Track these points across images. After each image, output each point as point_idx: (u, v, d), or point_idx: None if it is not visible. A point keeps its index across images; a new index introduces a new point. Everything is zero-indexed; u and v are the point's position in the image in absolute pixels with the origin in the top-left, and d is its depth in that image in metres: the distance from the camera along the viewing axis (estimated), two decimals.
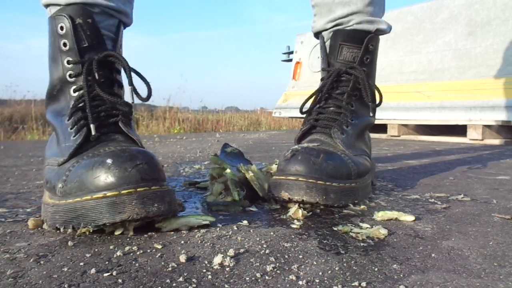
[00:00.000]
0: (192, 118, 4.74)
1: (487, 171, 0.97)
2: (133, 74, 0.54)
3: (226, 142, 0.90)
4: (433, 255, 0.40)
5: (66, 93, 0.55)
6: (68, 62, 0.54)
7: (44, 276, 0.35)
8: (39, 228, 0.49)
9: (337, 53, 0.71)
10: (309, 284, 0.33)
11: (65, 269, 0.36)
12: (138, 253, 0.40)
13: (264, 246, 0.42)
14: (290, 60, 3.52)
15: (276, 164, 0.72)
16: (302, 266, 0.37)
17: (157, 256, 0.39)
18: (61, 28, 0.54)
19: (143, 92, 0.54)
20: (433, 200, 0.65)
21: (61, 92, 0.56)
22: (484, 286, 0.33)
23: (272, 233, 0.46)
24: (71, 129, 0.52)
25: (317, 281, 0.34)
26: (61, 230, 0.45)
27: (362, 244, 0.43)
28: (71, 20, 0.53)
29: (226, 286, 0.33)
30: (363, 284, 0.33)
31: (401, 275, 0.35)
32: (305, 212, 0.54)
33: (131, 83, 0.53)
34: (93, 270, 0.36)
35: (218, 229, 0.48)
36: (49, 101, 0.58)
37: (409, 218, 0.52)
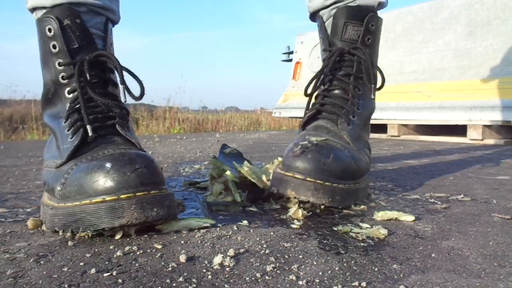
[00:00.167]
0: (192, 118, 4.74)
1: (487, 171, 0.97)
2: (125, 73, 0.53)
3: (225, 142, 0.90)
4: (433, 255, 0.40)
5: (61, 96, 0.55)
6: (60, 64, 0.54)
7: (44, 276, 0.35)
8: (39, 228, 0.49)
9: (341, 32, 0.68)
10: (309, 284, 0.33)
11: (65, 269, 0.36)
12: (138, 253, 0.40)
13: (264, 246, 0.42)
14: (290, 60, 3.52)
15: (275, 162, 0.72)
16: (302, 266, 0.37)
17: (157, 256, 0.39)
18: (49, 30, 0.53)
19: (136, 91, 0.53)
20: (433, 200, 0.65)
21: (56, 95, 0.55)
22: (484, 286, 0.33)
23: (272, 233, 0.46)
24: (68, 131, 0.52)
25: (317, 281, 0.34)
26: (60, 233, 0.45)
27: (362, 244, 0.43)
28: (58, 21, 0.53)
29: (226, 286, 0.33)
30: (363, 284, 0.33)
31: (401, 275, 0.35)
32: (305, 212, 0.54)
33: (122, 82, 0.52)
34: (93, 270, 0.36)
35: (218, 229, 0.48)
36: (45, 105, 0.58)
37: (409, 218, 0.52)
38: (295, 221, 0.52)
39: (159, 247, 0.42)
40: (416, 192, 0.71)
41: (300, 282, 0.33)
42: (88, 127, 0.50)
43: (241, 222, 0.50)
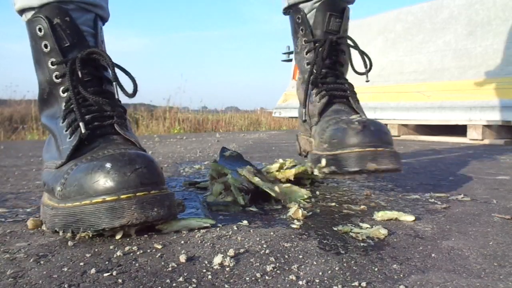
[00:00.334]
0: (192, 118, 4.74)
1: (487, 171, 0.97)
2: (118, 71, 0.53)
3: (225, 142, 0.90)
4: (433, 255, 0.40)
5: (56, 95, 0.54)
6: (52, 63, 0.54)
7: (44, 276, 0.35)
8: (39, 228, 0.49)
9: (326, 24, 0.74)
10: (309, 284, 0.33)
11: (65, 269, 0.36)
12: (138, 253, 0.40)
13: (264, 246, 0.42)
14: (290, 60, 3.52)
15: (275, 164, 0.72)
16: (302, 266, 0.37)
17: (157, 256, 0.39)
18: (40, 30, 0.53)
19: (129, 88, 0.53)
20: (433, 200, 0.65)
21: (51, 95, 0.55)
22: (484, 286, 0.33)
23: (272, 233, 0.46)
24: (66, 131, 0.52)
25: (317, 281, 0.34)
26: (60, 233, 0.45)
27: (362, 244, 0.43)
28: (48, 20, 0.53)
29: (226, 286, 0.33)
30: (363, 284, 0.33)
31: (401, 275, 0.35)
32: (305, 212, 0.54)
33: (115, 79, 0.52)
34: (93, 270, 0.36)
35: (218, 229, 0.48)
36: (42, 106, 0.58)
37: (409, 218, 0.52)
38: (295, 221, 0.52)
39: (159, 247, 0.42)
40: (416, 192, 0.71)
41: (300, 282, 0.33)
42: (81, 124, 0.50)
43: (241, 222, 0.50)
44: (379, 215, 0.53)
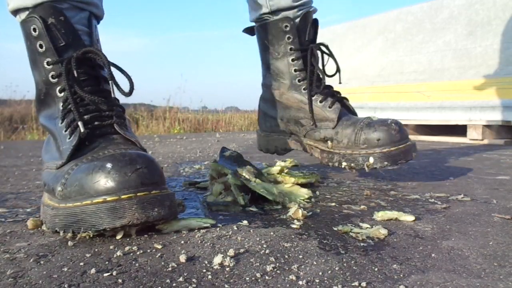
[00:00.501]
0: (192, 118, 4.74)
1: (487, 171, 0.97)
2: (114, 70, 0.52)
3: (225, 142, 0.90)
4: (433, 255, 0.40)
5: (53, 95, 0.54)
6: (48, 63, 0.53)
7: (44, 276, 0.35)
8: (39, 228, 0.49)
9: (308, 32, 0.81)
10: (309, 284, 0.33)
11: (65, 269, 0.36)
12: (138, 253, 0.40)
13: (264, 246, 0.42)
14: None
15: (276, 166, 0.72)
16: (302, 266, 0.37)
17: (157, 256, 0.39)
18: (34, 30, 0.53)
19: (126, 87, 0.52)
20: (433, 200, 0.65)
21: (48, 95, 0.55)
22: (484, 286, 0.33)
23: (272, 233, 0.46)
24: (65, 131, 0.51)
25: (317, 281, 0.34)
26: (61, 233, 0.45)
27: (362, 244, 0.43)
28: (42, 20, 0.52)
29: (226, 286, 0.33)
30: (363, 284, 0.33)
31: (401, 275, 0.35)
32: (305, 212, 0.54)
33: (111, 78, 0.52)
34: (93, 270, 0.36)
35: (218, 229, 0.48)
36: (40, 106, 0.57)
37: (409, 218, 0.52)
38: (295, 221, 0.52)
39: (159, 247, 0.42)
40: (416, 192, 0.71)
41: (300, 282, 0.33)
42: (80, 124, 0.50)
43: (241, 222, 0.50)
44: (379, 215, 0.53)
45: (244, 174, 0.64)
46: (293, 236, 0.45)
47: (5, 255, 0.40)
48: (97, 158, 0.46)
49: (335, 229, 0.48)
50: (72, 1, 0.55)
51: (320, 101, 0.79)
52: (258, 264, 0.37)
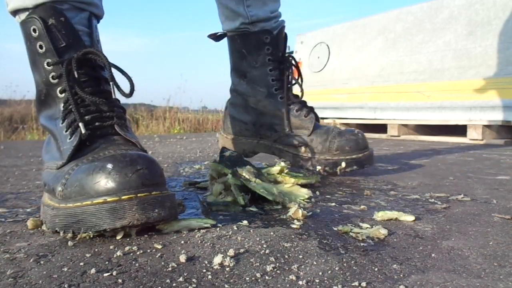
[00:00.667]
0: (192, 118, 4.74)
1: (487, 171, 0.97)
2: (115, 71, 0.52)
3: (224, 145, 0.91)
4: (433, 255, 0.40)
5: (53, 96, 0.54)
6: (48, 64, 0.53)
7: (44, 276, 0.35)
8: (39, 228, 0.49)
9: (283, 44, 0.86)
10: (309, 284, 0.33)
11: (65, 269, 0.36)
12: (138, 253, 0.40)
13: (264, 246, 0.42)
14: None
15: (276, 166, 0.72)
16: (302, 266, 0.37)
17: (157, 256, 0.39)
18: (34, 30, 0.53)
19: (126, 88, 0.52)
20: (433, 200, 0.65)
21: (49, 96, 0.55)
22: (484, 286, 0.33)
23: (272, 233, 0.46)
24: (66, 132, 0.51)
25: (317, 281, 0.34)
26: (61, 234, 0.45)
27: (362, 244, 0.43)
28: (42, 21, 0.52)
29: (226, 286, 0.33)
30: (363, 284, 0.33)
31: (401, 275, 0.35)
32: (305, 212, 0.54)
33: (112, 79, 0.52)
34: (93, 270, 0.36)
35: (218, 229, 0.48)
36: (40, 107, 0.57)
37: (409, 218, 0.52)
38: (295, 221, 0.52)
39: (159, 247, 0.42)
40: (416, 192, 0.71)
41: (300, 282, 0.33)
42: (81, 125, 0.50)
43: (241, 222, 0.50)
44: (379, 215, 0.53)
45: (244, 174, 0.64)
46: (293, 236, 0.45)
47: (5, 255, 0.40)
48: (97, 159, 0.46)
49: (335, 229, 0.48)
50: (72, 2, 0.55)
51: (297, 110, 0.86)
52: (258, 264, 0.37)
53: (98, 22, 0.60)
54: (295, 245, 0.42)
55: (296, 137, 0.85)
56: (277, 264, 0.37)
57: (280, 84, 0.86)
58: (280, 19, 0.89)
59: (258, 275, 0.35)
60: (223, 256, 0.38)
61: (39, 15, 0.52)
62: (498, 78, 1.99)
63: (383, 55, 2.62)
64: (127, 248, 0.42)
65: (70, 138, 0.51)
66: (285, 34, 0.88)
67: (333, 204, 0.62)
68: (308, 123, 0.85)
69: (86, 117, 0.51)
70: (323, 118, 2.91)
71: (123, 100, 0.56)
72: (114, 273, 0.35)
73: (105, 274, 0.35)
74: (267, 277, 0.34)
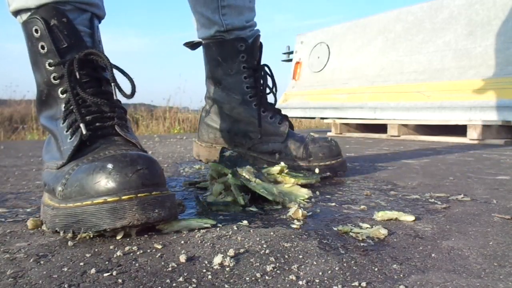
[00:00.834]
0: (192, 118, 4.73)
1: (487, 171, 0.97)
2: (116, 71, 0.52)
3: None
4: (433, 255, 0.40)
5: (54, 96, 0.54)
6: (50, 65, 0.53)
7: (44, 276, 0.35)
8: (39, 228, 0.49)
9: (257, 54, 0.87)
10: (309, 284, 0.33)
11: (65, 269, 0.36)
12: (138, 253, 0.40)
13: (264, 246, 0.42)
14: (290, 60, 3.52)
15: (276, 166, 0.73)
16: (302, 266, 0.37)
17: (157, 256, 0.39)
18: (36, 31, 0.53)
19: (127, 89, 0.52)
20: (433, 200, 0.65)
21: (50, 96, 0.55)
22: (484, 286, 0.33)
23: (272, 233, 0.46)
24: (66, 132, 0.52)
25: (317, 281, 0.34)
26: (61, 234, 0.45)
27: (362, 244, 0.43)
28: (44, 21, 0.52)
29: (226, 286, 0.33)
30: (363, 284, 0.33)
31: (401, 275, 0.35)
32: (305, 212, 0.54)
33: (113, 80, 0.52)
34: (93, 270, 0.36)
35: (218, 229, 0.48)
36: (41, 107, 0.57)
37: (409, 218, 0.52)
38: (295, 221, 0.52)
39: (159, 247, 0.42)
40: (416, 192, 0.71)
41: (300, 282, 0.33)
42: (82, 125, 0.50)
43: (241, 222, 0.50)
44: (379, 215, 0.53)
45: (244, 174, 0.64)
46: (293, 236, 0.45)
47: (5, 255, 0.40)
48: (98, 159, 0.46)
49: (335, 229, 0.48)
50: (74, 3, 0.55)
51: (271, 117, 0.87)
52: (258, 264, 0.37)
53: (100, 23, 0.60)
54: (295, 245, 0.42)
55: (270, 144, 0.85)
56: (277, 264, 0.37)
57: (254, 92, 0.87)
58: (256, 28, 0.90)
59: (258, 275, 0.35)
60: (223, 256, 0.38)
61: (41, 16, 0.52)
62: (498, 78, 1.99)
63: (383, 55, 2.62)
64: (127, 248, 0.42)
65: (70, 138, 0.51)
66: (261, 43, 0.88)
67: (333, 204, 0.62)
68: (281, 130, 0.85)
69: (87, 118, 0.51)
70: (323, 118, 2.91)
71: (123, 100, 0.56)
72: (114, 273, 0.35)
73: (105, 274, 0.35)
74: (267, 277, 0.34)
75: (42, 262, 0.38)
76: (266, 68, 0.88)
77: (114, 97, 0.54)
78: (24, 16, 0.55)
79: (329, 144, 0.84)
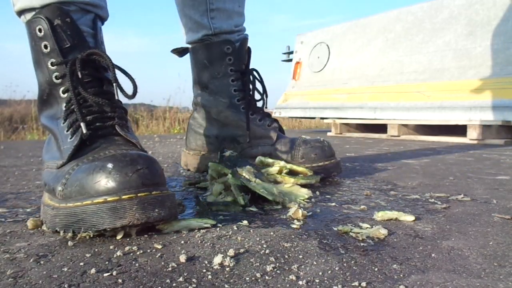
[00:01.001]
0: None
1: (487, 171, 0.97)
2: (118, 72, 0.53)
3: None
4: (433, 255, 0.40)
5: (56, 96, 0.54)
6: (52, 64, 0.54)
7: (44, 276, 0.35)
8: (39, 228, 0.49)
9: (245, 57, 0.86)
10: (309, 284, 0.33)
11: (65, 269, 0.36)
12: (138, 253, 0.40)
13: (264, 246, 0.42)
14: (290, 60, 3.52)
15: (275, 167, 0.73)
16: (302, 266, 0.37)
17: (157, 256, 0.39)
18: (39, 30, 0.53)
19: (129, 89, 0.53)
20: (433, 200, 0.65)
21: (51, 95, 0.55)
22: (484, 286, 0.33)
23: (272, 233, 0.46)
24: (67, 131, 0.52)
25: (317, 281, 0.34)
26: (61, 233, 0.45)
27: (362, 244, 0.43)
28: (48, 21, 0.52)
29: (226, 286, 0.33)
30: (363, 284, 0.33)
31: (401, 275, 0.35)
32: (305, 212, 0.54)
33: (115, 80, 0.52)
34: (93, 270, 0.36)
35: (218, 229, 0.48)
36: (42, 106, 0.58)
37: (409, 218, 0.52)
38: (295, 221, 0.52)
39: (159, 247, 0.42)
40: (416, 192, 0.71)
41: (300, 282, 0.33)
42: (82, 125, 0.50)
43: (241, 222, 0.50)
44: (379, 215, 0.53)
45: (244, 174, 0.64)
46: (293, 236, 0.45)
47: (5, 255, 0.40)
48: (98, 158, 0.46)
49: (335, 229, 0.48)
50: (79, 4, 0.55)
51: (259, 120, 0.85)
52: (258, 264, 0.37)
53: (103, 24, 0.60)
54: (295, 245, 0.42)
55: (259, 147, 0.84)
56: (277, 264, 0.37)
57: (242, 95, 0.85)
58: (245, 33, 0.89)
59: (258, 275, 0.35)
60: (223, 256, 0.38)
61: (45, 15, 0.53)
62: (498, 78, 1.99)
63: (383, 55, 2.62)
64: (127, 248, 0.42)
65: (71, 138, 0.51)
66: (249, 48, 0.87)
67: (333, 204, 0.62)
68: (271, 132, 0.83)
69: (88, 118, 0.51)
70: (323, 118, 2.91)
71: (123, 100, 0.56)
72: (114, 273, 0.35)
73: (105, 274, 0.35)
74: (267, 277, 0.34)
75: (42, 262, 0.38)
76: (255, 73, 0.87)
77: (116, 97, 0.54)
78: (28, 16, 0.55)
79: (322, 144, 0.82)
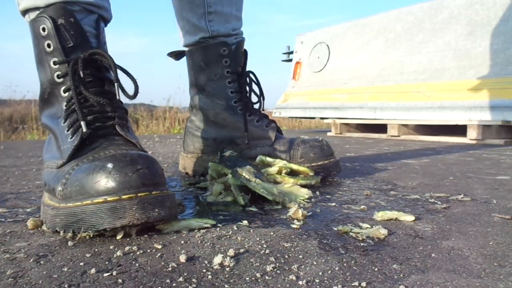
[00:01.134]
0: None
1: (487, 171, 0.97)
2: (120, 72, 0.53)
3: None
4: (433, 255, 0.40)
5: (57, 95, 0.55)
6: (54, 63, 0.54)
7: (44, 276, 0.35)
8: (39, 228, 0.49)
9: (241, 59, 0.86)
10: (309, 284, 0.33)
11: (65, 269, 0.36)
12: (138, 253, 0.40)
13: (264, 246, 0.42)
14: (290, 60, 3.53)
15: (274, 167, 0.73)
16: (302, 266, 0.37)
17: (157, 256, 0.39)
18: (43, 29, 0.53)
19: (130, 90, 0.53)
20: (433, 200, 0.65)
21: (52, 94, 0.55)
22: (484, 286, 0.33)
23: (272, 233, 0.46)
24: (67, 131, 0.52)
25: (317, 281, 0.34)
26: (61, 233, 0.45)
27: (362, 244, 0.43)
28: (52, 20, 0.53)
29: (226, 286, 0.33)
30: (363, 284, 0.33)
31: (401, 275, 0.35)
32: (305, 212, 0.54)
33: (117, 80, 0.52)
34: (93, 270, 0.36)
35: (218, 229, 0.48)
36: (43, 105, 0.58)
37: (409, 218, 0.52)
38: (295, 221, 0.52)
39: (159, 247, 0.42)
40: (416, 192, 0.71)
41: (300, 282, 0.33)
42: (83, 123, 0.50)
43: (241, 222, 0.50)
44: (379, 215, 0.53)
45: (244, 174, 0.64)
46: (293, 236, 0.45)
47: (5, 255, 0.40)
48: (98, 158, 0.46)
49: (335, 229, 0.48)
50: (83, 4, 0.56)
51: (257, 121, 0.85)
52: (258, 264, 0.37)
53: (106, 25, 0.61)
54: (295, 245, 0.42)
55: (258, 148, 0.83)
56: (277, 264, 0.37)
57: (239, 97, 0.85)
58: (242, 36, 0.89)
59: (258, 275, 0.35)
60: (223, 256, 0.38)
61: (49, 15, 0.53)
62: (498, 78, 1.99)
63: (383, 55, 2.62)
64: (127, 248, 0.42)
65: (71, 138, 0.51)
66: (245, 50, 0.87)
67: (333, 204, 0.62)
68: (269, 133, 0.83)
69: (88, 117, 0.51)
70: (323, 118, 2.91)
71: (123, 100, 0.56)
72: (114, 273, 0.35)
73: (105, 274, 0.35)
74: (267, 277, 0.34)
75: (42, 262, 0.38)
76: (252, 75, 0.86)
77: (117, 98, 0.54)
78: (32, 15, 0.56)
79: (320, 144, 0.82)
